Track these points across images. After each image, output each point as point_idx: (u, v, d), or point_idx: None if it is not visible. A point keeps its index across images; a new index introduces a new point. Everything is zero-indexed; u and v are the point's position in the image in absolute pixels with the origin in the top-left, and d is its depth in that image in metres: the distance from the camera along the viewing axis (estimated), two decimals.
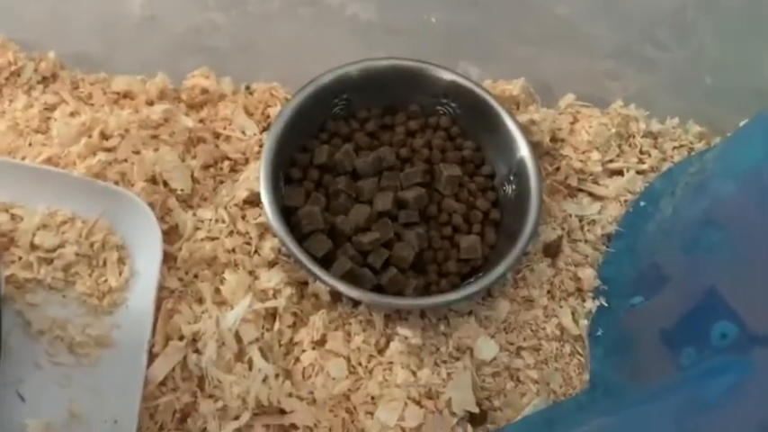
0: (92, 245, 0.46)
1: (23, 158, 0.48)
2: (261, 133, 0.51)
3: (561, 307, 0.47)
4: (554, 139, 0.53)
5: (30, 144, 0.49)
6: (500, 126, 0.48)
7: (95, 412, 0.42)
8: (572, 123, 0.54)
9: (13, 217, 0.46)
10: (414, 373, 0.42)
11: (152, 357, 0.43)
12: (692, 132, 0.56)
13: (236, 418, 0.40)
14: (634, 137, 0.54)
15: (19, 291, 0.45)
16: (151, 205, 0.46)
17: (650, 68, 0.62)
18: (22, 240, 0.46)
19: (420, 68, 0.50)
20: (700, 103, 0.60)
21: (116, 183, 0.47)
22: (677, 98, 0.60)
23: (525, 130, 0.49)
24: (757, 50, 0.64)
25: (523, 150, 0.47)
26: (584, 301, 0.47)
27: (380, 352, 0.43)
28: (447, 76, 0.49)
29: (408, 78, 0.50)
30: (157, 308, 0.44)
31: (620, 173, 0.53)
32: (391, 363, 0.42)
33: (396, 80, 0.50)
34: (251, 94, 0.54)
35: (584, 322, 0.46)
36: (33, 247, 0.46)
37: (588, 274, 0.47)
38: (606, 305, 0.47)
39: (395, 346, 0.43)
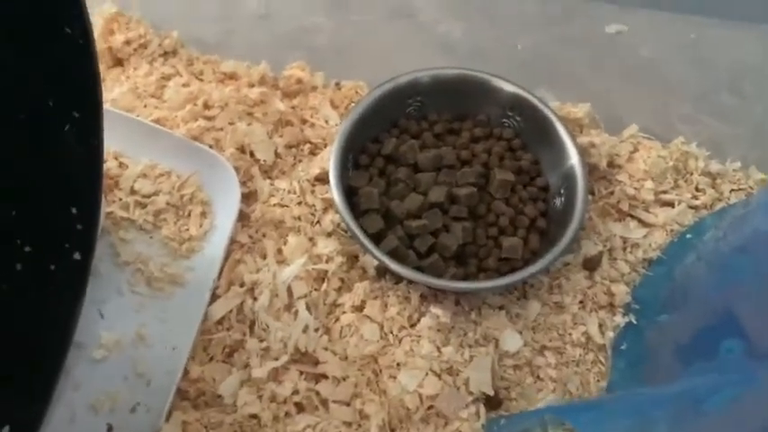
0: (181, 197, 0.53)
1: (137, 116, 0.55)
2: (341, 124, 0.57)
3: (590, 317, 0.49)
4: (611, 165, 0.55)
5: (144, 105, 0.56)
6: (555, 138, 0.52)
7: (159, 338, 0.48)
8: (631, 152, 0.57)
9: (120, 164, 0.54)
10: (438, 349, 0.46)
11: (214, 298, 0.48)
12: (754, 178, 0.57)
13: (276, 359, 0.45)
14: (692, 174, 0.56)
15: (114, 226, 0.52)
16: (236, 170, 0.52)
17: (726, 117, 0.63)
18: (124, 185, 0.53)
19: (485, 80, 0.54)
20: None
21: (210, 146, 0.53)
22: (750, 149, 0.61)
23: (583, 150, 0.52)
24: None
25: (574, 159, 0.50)
26: (613, 315, 0.49)
27: (412, 326, 0.47)
28: (510, 88, 0.53)
29: (475, 88, 0.54)
30: (226, 257, 0.50)
31: (671, 204, 0.54)
32: (420, 336, 0.46)
33: (465, 89, 0.54)
34: (339, 89, 0.60)
35: (610, 334, 0.48)
36: (133, 191, 0.53)
37: (621, 291, 0.49)
38: (635, 323, 0.49)
39: (425, 321, 0.46)
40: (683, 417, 0.36)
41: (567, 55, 0.67)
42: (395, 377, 0.45)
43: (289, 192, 0.53)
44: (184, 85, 0.57)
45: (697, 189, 0.56)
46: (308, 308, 0.47)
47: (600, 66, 0.66)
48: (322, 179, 0.53)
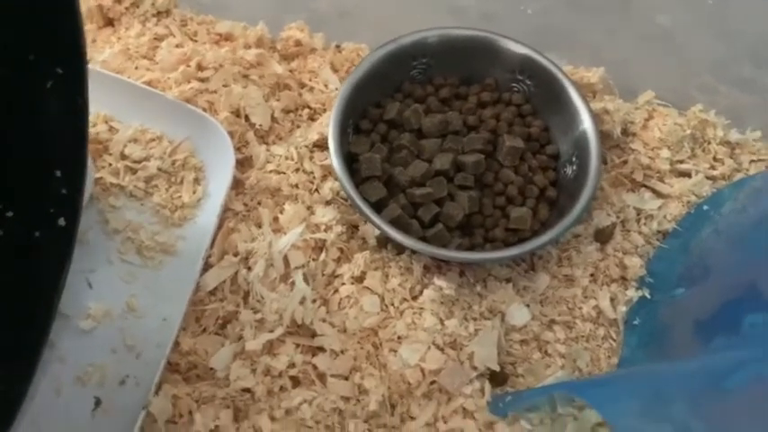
0: (173, 163, 0.50)
1: (128, 78, 0.52)
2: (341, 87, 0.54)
3: (602, 290, 0.47)
4: (625, 133, 0.53)
5: (136, 67, 0.53)
6: (567, 102, 0.49)
7: (149, 309, 0.46)
8: (646, 120, 0.54)
9: (110, 128, 0.51)
10: (441, 322, 0.44)
11: (207, 267, 0.46)
12: None
13: (271, 331, 0.43)
14: (709, 143, 0.53)
15: (104, 193, 0.50)
16: (231, 134, 0.50)
17: (746, 86, 0.60)
18: (114, 149, 0.50)
19: (494, 40, 0.51)
20: None
21: (204, 110, 0.51)
22: None
23: (596, 117, 0.49)
24: None
25: (586, 123, 0.48)
26: (626, 289, 0.47)
27: (414, 298, 0.45)
28: (520, 50, 0.51)
29: (484, 49, 0.51)
30: (219, 225, 0.48)
31: (687, 174, 0.52)
32: (422, 308, 0.44)
33: (473, 51, 0.51)
34: (339, 52, 0.57)
35: (622, 309, 0.46)
36: (123, 156, 0.50)
37: (635, 263, 0.47)
38: (649, 297, 0.46)
39: (428, 293, 0.44)
40: (703, 394, 0.34)
41: (579, 20, 0.63)
42: (395, 351, 0.43)
43: (286, 158, 0.50)
44: (177, 46, 0.54)
45: (715, 159, 0.53)
46: (305, 278, 0.45)
47: (613, 32, 0.63)
48: (321, 145, 0.51)
